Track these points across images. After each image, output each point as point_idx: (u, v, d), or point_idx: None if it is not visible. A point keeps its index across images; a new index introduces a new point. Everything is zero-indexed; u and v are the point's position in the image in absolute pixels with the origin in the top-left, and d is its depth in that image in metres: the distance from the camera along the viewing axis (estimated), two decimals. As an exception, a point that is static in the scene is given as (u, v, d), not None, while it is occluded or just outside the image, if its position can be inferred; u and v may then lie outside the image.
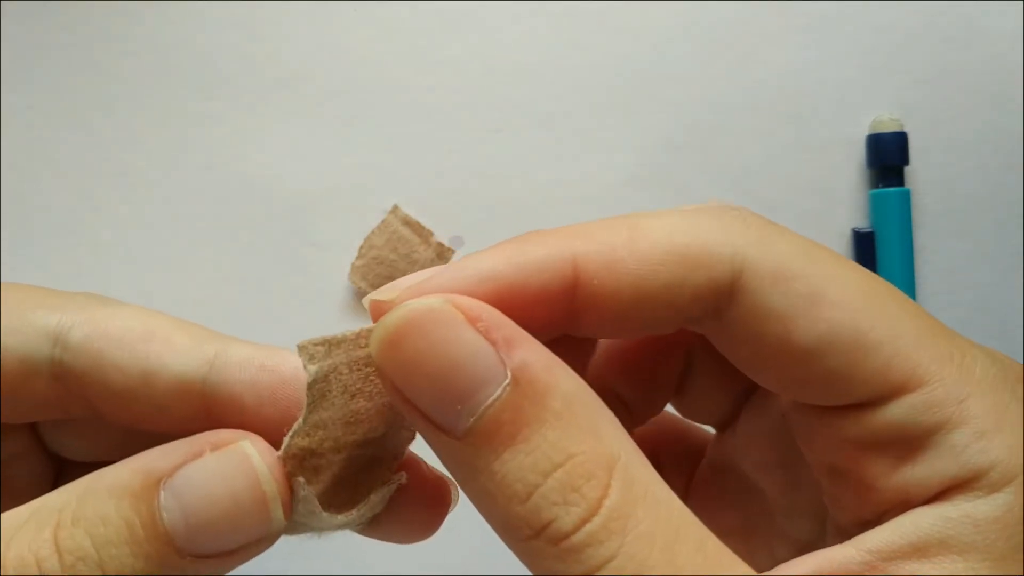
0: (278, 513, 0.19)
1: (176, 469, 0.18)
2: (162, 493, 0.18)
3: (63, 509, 0.19)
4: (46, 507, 0.19)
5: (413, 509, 0.21)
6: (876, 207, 0.36)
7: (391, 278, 0.37)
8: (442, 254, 0.36)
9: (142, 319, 0.21)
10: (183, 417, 0.20)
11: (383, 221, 0.36)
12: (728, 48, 0.37)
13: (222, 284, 0.37)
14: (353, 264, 0.36)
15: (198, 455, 0.19)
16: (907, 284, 0.36)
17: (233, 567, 0.19)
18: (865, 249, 0.36)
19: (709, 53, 0.37)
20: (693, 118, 0.37)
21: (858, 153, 0.37)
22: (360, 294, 0.37)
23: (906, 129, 0.36)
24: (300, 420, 0.18)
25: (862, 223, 0.37)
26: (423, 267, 0.36)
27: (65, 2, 0.37)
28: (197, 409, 0.20)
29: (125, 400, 0.20)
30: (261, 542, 0.19)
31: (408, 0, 0.37)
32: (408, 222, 0.36)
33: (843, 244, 0.37)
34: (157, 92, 0.37)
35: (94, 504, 0.19)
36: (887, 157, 0.36)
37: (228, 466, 0.19)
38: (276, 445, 0.19)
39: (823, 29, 0.37)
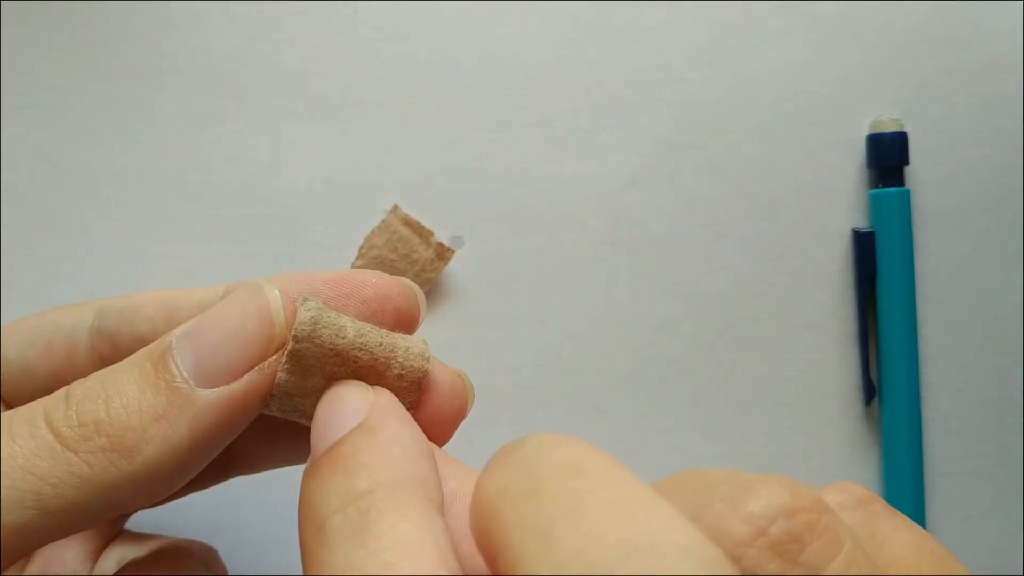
0: (282, 326, 0.20)
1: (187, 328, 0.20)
2: (173, 340, 0.20)
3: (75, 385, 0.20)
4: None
5: (430, 409, 0.22)
6: (876, 207, 0.36)
7: (391, 278, 0.37)
8: (442, 254, 0.36)
9: (172, 292, 0.23)
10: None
11: (383, 221, 0.36)
12: (728, 48, 0.37)
13: (222, 283, 0.37)
14: (353, 264, 0.36)
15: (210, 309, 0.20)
16: (907, 284, 0.36)
17: (238, 410, 0.20)
18: (865, 249, 0.36)
19: (709, 53, 0.37)
20: (693, 118, 0.37)
21: (858, 153, 0.37)
22: (360, 294, 0.37)
23: (906, 129, 0.36)
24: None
25: (862, 223, 0.37)
26: (423, 267, 0.36)
27: (65, 2, 0.37)
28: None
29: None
30: (263, 367, 0.20)
31: (408, 0, 0.37)
32: (408, 222, 0.36)
33: (843, 244, 0.37)
34: (157, 92, 0.37)
35: (109, 371, 0.20)
36: (887, 157, 0.36)
37: (238, 298, 0.20)
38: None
39: (823, 29, 0.37)
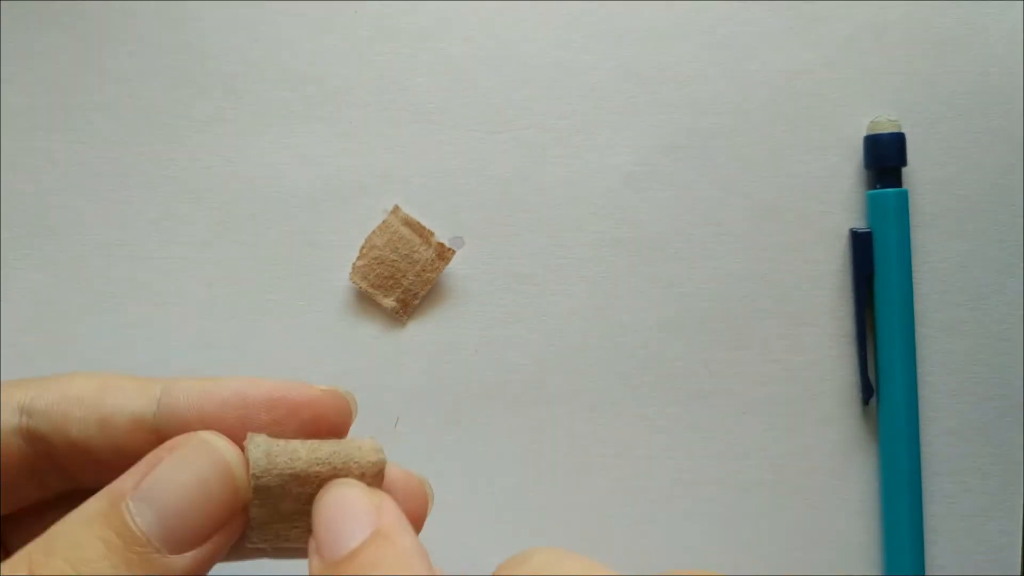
0: (243, 478, 0.20)
1: (139, 483, 0.20)
2: (130, 503, 0.19)
3: (33, 552, 0.19)
4: (14, 558, 0.19)
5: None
6: (874, 208, 0.36)
7: (392, 278, 0.37)
8: (442, 254, 0.36)
9: (97, 379, 0.22)
10: (140, 454, 0.21)
11: (384, 221, 0.36)
12: (727, 48, 0.37)
13: (223, 284, 0.37)
14: (354, 264, 0.36)
15: (158, 462, 0.20)
16: (904, 284, 0.36)
17: (212, 561, 0.20)
18: (863, 249, 0.36)
19: (708, 54, 0.37)
20: (692, 118, 0.37)
21: (856, 154, 0.37)
22: (361, 294, 0.37)
23: (904, 130, 0.36)
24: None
25: (860, 224, 0.37)
26: (424, 267, 0.36)
27: (65, 2, 0.37)
28: (151, 443, 0.21)
29: (86, 449, 0.22)
30: (232, 521, 0.20)
31: (408, 1, 0.37)
32: (409, 222, 0.36)
33: (841, 244, 0.37)
34: (157, 92, 0.37)
35: (65, 535, 0.19)
36: (885, 158, 0.36)
37: (189, 455, 0.20)
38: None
39: (821, 30, 0.37)
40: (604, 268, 0.37)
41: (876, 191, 0.36)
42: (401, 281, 0.36)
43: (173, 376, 0.23)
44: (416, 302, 0.36)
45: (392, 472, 0.22)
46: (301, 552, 0.21)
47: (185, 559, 0.19)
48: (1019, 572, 0.36)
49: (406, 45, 0.37)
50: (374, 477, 0.21)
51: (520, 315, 0.37)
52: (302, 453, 0.21)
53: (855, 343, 0.37)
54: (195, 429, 0.21)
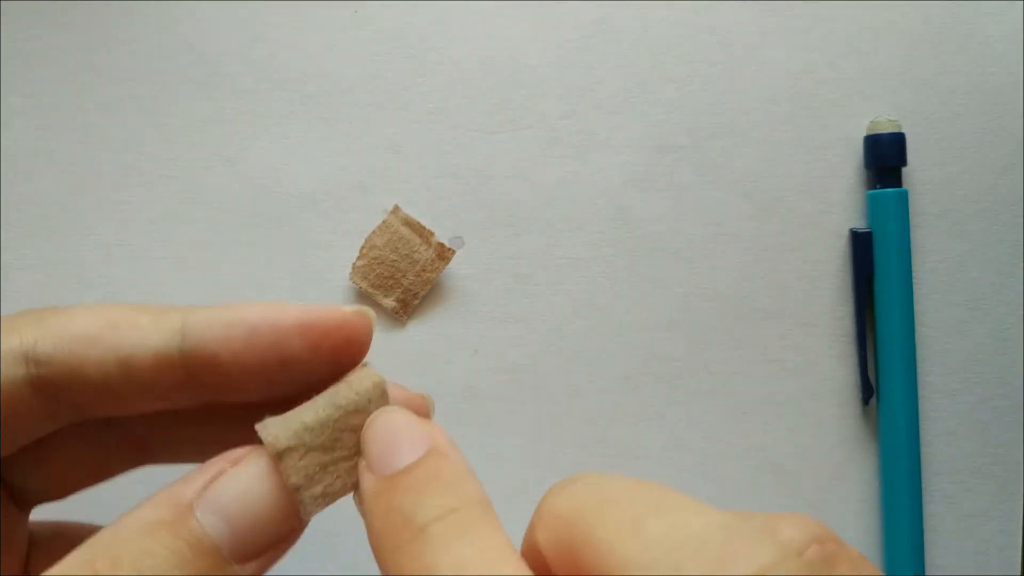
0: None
1: (202, 491, 0.20)
2: (198, 513, 0.19)
3: (95, 559, 0.19)
4: (71, 563, 0.19)
5: None
6: (874, 208, 0.36)
7: (392, 278, 0.37)
8: (443, 254, 0.36)
9: (97, 313, 0.21)
10: (168, 388, 0.21)
11: (384, 221, 0.36)
12: (726, 49, 0.37)
13: (223, 284, 0.37)
14: (354, 264, 0.36)
15: (221, 473, 0.20)
16: (904, 284, 0.36)
17: (270, 566, 0.21)
18: (863, 249, 0.36)
19: (708, 54, 0.37)
20: (692, 119, 0.37)
21: (856, 154, 0.37)
22: (361, 294, 0.37)
23: (904, 130, 0.36)
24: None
25: (860, 223, 0.37)
26: (424, 267, 0.36)
27: (65, 2, 0.37)
28: (178, 378, 0.21)
29: (110, 391, 0.21)
30: (295, 532, 0.21)
31: (408, 1, 0.37)
32: (409, 222, 0.36)
33: (840, 244, 0.37)
34: (158, 93, 0.37)
35: (129, 545, 0.19)
36: (885, 158, 0.36)
37: (257, 471, 0.20)
38: (259, 392, 0.21)
39: (821, 30, 0.37)
40: (604, 268, 0.37)
41: (876, 191, 0.36)
42: (401, 281, 0.36)
43: (187, 305, 0.22)
44: (416, 302, 0.36)
45: (394, 391, 0.22)
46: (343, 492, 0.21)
47: (249, 567, 0.20)
48: (1019, 572, 0.36)
49: (406, 45, 0.37)
50: (380, 399, 0.21)
51: (520, 315, 0.37)
52: (307, 411, 0.21)
53: (855, 343, 0.37)
54: (226, 363, 0.21)
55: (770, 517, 0.18)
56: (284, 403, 0.21)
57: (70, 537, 0.25)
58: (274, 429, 0.20)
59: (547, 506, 0.19)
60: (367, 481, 0.20)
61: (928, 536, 0.36)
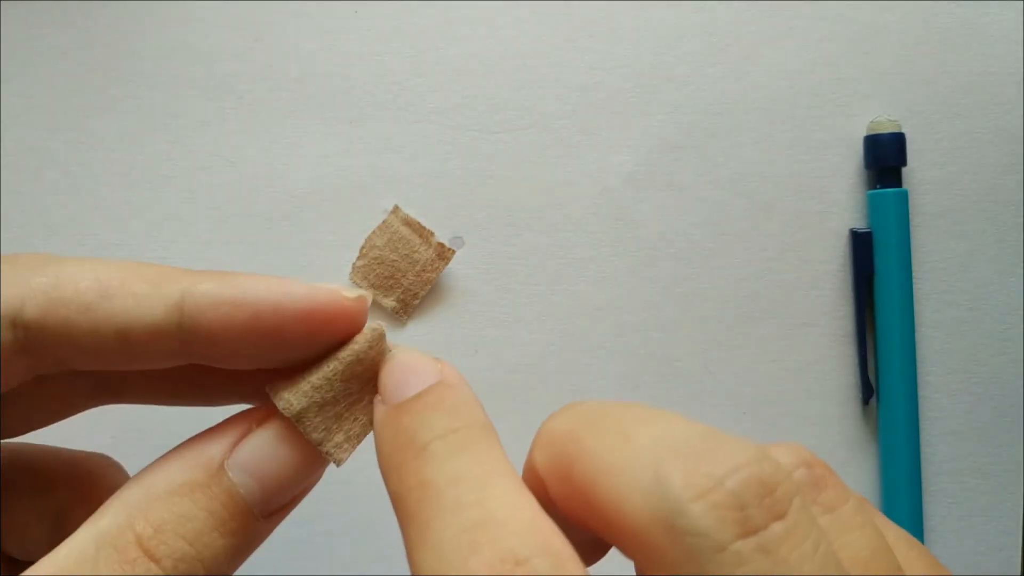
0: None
1: (230, 452, 0.21)
2: (231, 472, 0.20)
3: (126, 528, 0.20)
4: (106, 526, 0.20)
5: None
6: (874, 208, 0.36)
7: (392, 278, 0.37)
8: (443, 254, 0.36)
9: (92, 274, 0.21)
10: (162, 356, 0.21)
11: (384, 221, 0.36)
12: (726, 49, 0.37)
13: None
14: (354, 264, 0.36)
15: (248, 432, 0.21)
16: (904, 284, 0.36)
17: (288, 513, 0.22)
18: (863, 249, 0.36)
19: (708, 54, 0.37)
20: (692, 119, 0.37)
21: (856, 154, 0.37)
22: (361, 294, 0.37)
23: (904, 130, 0.36)
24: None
25: (860, 224, 0.37)
26: (424, 267, 0.36)
27: (65, 2, 0.37)
28: (174, 349, 0.21)
29: (100, 356, 0.21)
30: (313, 485, 0.22)
31: (409, 1, 0.37)
32: (409, 222, 0.36)
33: (840, 244, 0.37)
34: (158, 92, 0.37)
35: (167, 508, 0.20)
36: (885, 158, 0.36)
37: (283, 430, 0.21)
38: (251, 363, 0.21)
39: (821, 30, 0.37)
40: (604, 268, 0.37)
41: (876, 191, 0.36)
42: (401, 281, 0.36)
43: (187, 271, 0.22)
44: (416, 302, 0.36)
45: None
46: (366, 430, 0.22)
47: (273, 521, 0.21)
48: (1019, 572, 0.36)
49: (406, 45, 0.37)
50: (378, 342, 0.22)
51: (520, 315, 0.37)
52: (312, 371, 0.22)
53: (855, 343, 0.37)
54: (225, 341, 0.21)
55: (763, 444, 0.19)
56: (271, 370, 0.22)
57: (28, 460, 0.25)
58: (285, 395, 0.21)
59: (544, 429, 0.20)
60: (379, 412, 0.21)
61: (928, 536, 0.36)
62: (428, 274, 0.36)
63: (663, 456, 0.16)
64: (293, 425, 0.21)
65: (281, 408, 0.21)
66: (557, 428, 0.19)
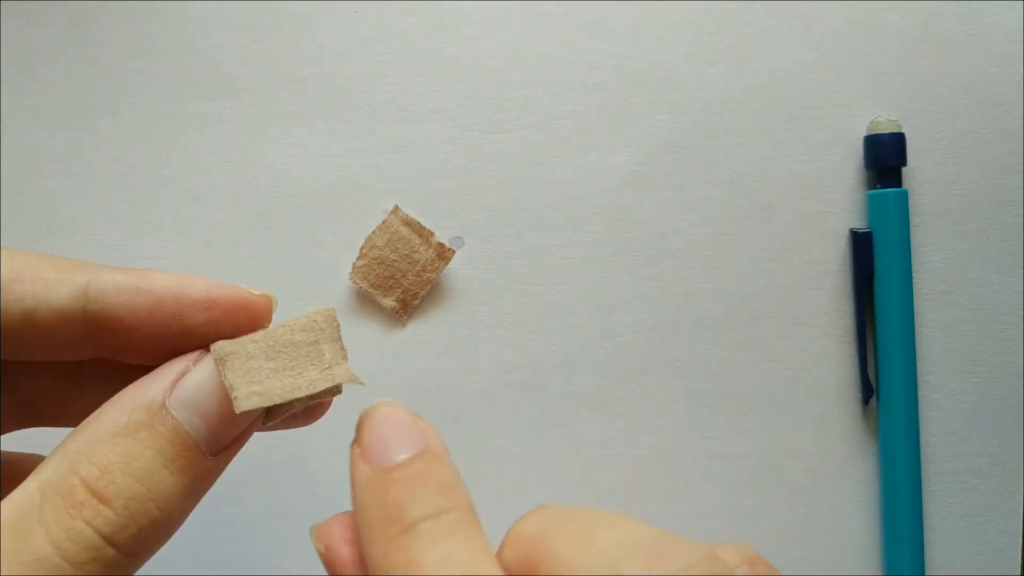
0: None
1: (170, 391, 0.21)
2: (173, 411, 0.20)
3: (70, 473, 0.20)
4: (45, 484, 0.19)
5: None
6: (874, 208, 0.36)
7: (392, 278, 0.37)
8: (442, 254, 0.36)
9: (5, 259, 0.21)
10: (67, 343, 0.22)
11: (384, 221, 0.36)
12: (726, 49, 0.37)
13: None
14: (354, 264, 0.36)
15: (186, 371, 0.21)
16: (904, 284, 0.36)
17: (233, 456, 0.22)
18: (863, 249, 0.36)
19: (708, 54, 0.37)
20: (692, 119, 0.37)
21: (856, 154, 0.37)
22: (361, 294, 0.37)
23: (904, 130, 0.36)
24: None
25: (860, 224, 0.37)
26: (424, 267, 0.36)
27: (65, 2, 0.37)
28: (79, 335, 0.22)
29: (9, 338, 0.21)
30: (255, 421, 0.22)
31: (408, 1, 0.37)
32: (409, 222, 0.36)
33: (840, 244, 0.37)
34: (158, 93, 0.37)
35: (110, 449, 0.20)
36: (885, 158, 0.36)
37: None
38: (157, 356, 0.22)
39: (821, 30, 0.37)
40: (604, 268, 0.37)
41: (876, 191, 0.36)
42: (401, 281, 0.36)
43: (94, 263, 0.22)
44: (416, 302, 0.36)
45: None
46: (296, 419, 0.23)
47: (220, 458, 0.21)
48: (1019, 572, 0.36)
49: (406, 45, 0.37)
50: (328, 325, 0.23)
51: (520, 315, 0.37)
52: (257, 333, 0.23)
53: (855, 343, 0.37)
54: (128, 328, 0.22)
55: (711, 544, 0.20)
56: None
57: None
58: (221, 341, 0.22)
59: (514, 529, 0.20)
60: (362, 472, 0.20)
61: (928, 536, 0.36)
62: (428, 274, 0.36)
63: (623, 557, 0.18)
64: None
65: (213, 350, 0.22)
66: (526, 529, 0.20)
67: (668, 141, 0.37)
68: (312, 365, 0.22)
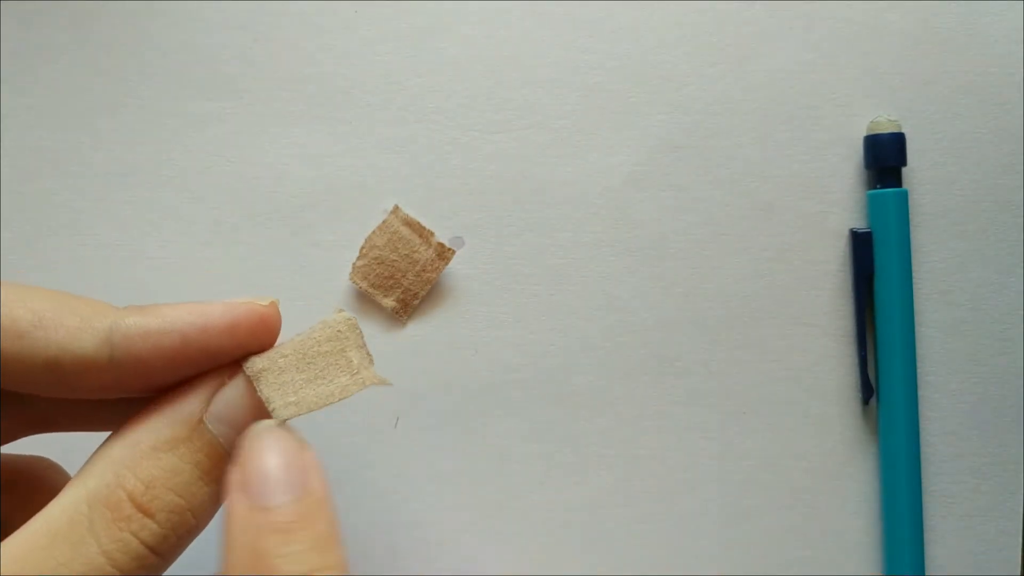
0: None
1: (207, 406, 0.22)
2: (210, 424, 0.21)
3: (116, 486, 0.20)
4: (92, 496, 0.20)
5: None
6: (874, 208, 0.36)
7: (392, 278, 0.37)
8: (442, 254, 0.36)
9: (22, 303, 0.21)
10: (93, 388, 0.22)
11: (384, 221, 0.36)
12: (727, 49, 0.37)
13: (223, 284, 0.37)
14: (354, 264, 0.36)
15: (222, 385, 0.22)
16: (904, 284, 0.36)
17: None
18: (863, 249, 0.36)
19: (708, 54, 0.37)
20: (692, 119, 0.37)
21: (856, 154, 0.37)
22: (361, 294, 0.37)
23: (904, 130, 0.36)
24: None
25: (860, 223, 0.37)
26: (424, 267, 0.36)
27: (65, 2, 0.37)
28: (106, 380, 0.22)
29: (31, 384, 0.22)
30: None
31: (408, 1, 0.37)
32: (409, 222, 0.36)
33: (841, 244, 0.37)
34: (158, 92, 0.37)
35: (153, 464, 0.21)
36: (885, 158, 0.36)
37: (251, 383, 0.22)
38: (179, 378, 0.23)
39: (821, 30, 0.37)
40: (604, 268, 0.37)
41: (876, 191, 0.36)
42: (401, 281, 0.36)
43: (110, 305, 0.22)
44: (416, 302, 0.36)
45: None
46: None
47: None
48: (1019, 572, 0.36)
49: (406, 45, 0.37)
50: (350, 331, 0.24)
51: (520, 315, 0.37)
52: (280, 345, 0.24)
53: (855, 343, 0.37)
54: (156, 370, 0.22)
55: None
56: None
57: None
58: (253, 358, 0.23)
59: None
60: (238, 502, 0.20)
61: (928, 536, 0.36)
62: (428, 274, 0.36)
63: None
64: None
65: (245, 367, 0.23)
66: None
67: (668, 141, 0.37)
68: (342, 372, 0.24)
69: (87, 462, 0.21)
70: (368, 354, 0.25)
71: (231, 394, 0.22)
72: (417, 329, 0.37)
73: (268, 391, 0.23)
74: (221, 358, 0.23)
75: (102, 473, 0.21)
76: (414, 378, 0.37)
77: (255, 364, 0.23)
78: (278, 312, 0.24)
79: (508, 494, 0.37)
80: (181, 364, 0.22)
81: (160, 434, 0.21)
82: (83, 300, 0.22)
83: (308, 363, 0.23)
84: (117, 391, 0.22)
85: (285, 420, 0.22)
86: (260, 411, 0.22)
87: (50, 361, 0.21)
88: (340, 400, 0.23)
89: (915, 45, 0.37)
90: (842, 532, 0.37)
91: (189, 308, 0.22)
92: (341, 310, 0.25)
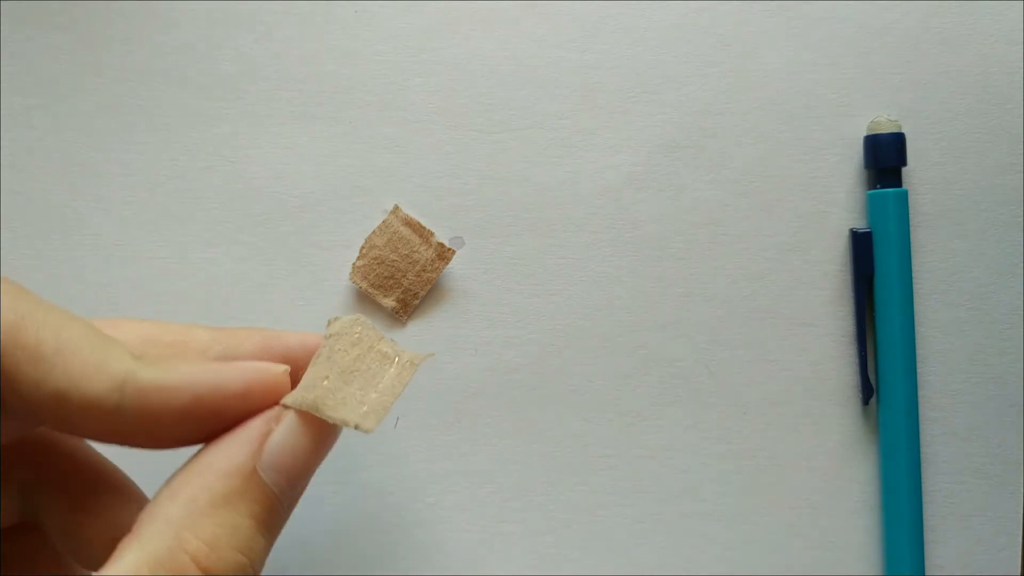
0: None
1: (257, 455, 0.22)
2: (262, 473, 0.21)
3: (178, 550, 0.20)
4: (154, 562, 0.20)
5: None
6: (874, 208, 0.36)
7: (392, 278, 0.37)
8: (442, 254, 0.36)
9: (54, 329, 0.21)
10: (89, 431, 0.21)
11: (384, 221, 0.36)
12: (726, 49, 0.37)
13: (223, 284, 0.37)
14: (354, 264, 0.36)
15: (269, 432, 0.22)
16: (904, 284, 0.36)
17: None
18: (863, 249, 0.36)
19: (708, 54, 0.37)
20: (692, 119, 0.37)
21: (856, 154, 0.37)
22: (361, 294, 0.37)
23: (904, 130, 0.36)
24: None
25: (860, 223, 0.37)
26: (424, 267, 0.36)
27: (65, 2, 0.37)
28: (105, 426, 0.21)
29: (36, 410, 0.21)
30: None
31: (408, 1, 0.37)
32: (409, 222, 0.36)
33: (840, 244, 0.37)
34: (158, 93, 0.37)
35: (213, 522, 0.21)
36: (885, 158, 0.36)
37: (298, 421, 0.23)
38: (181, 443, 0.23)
39: (821, 30, 0.37)
40: (604, 268, 0.37)
41: (876, 191, 0.36)
42: (401, 281, 0.36)
43: (131, 353, 0.22)
44: (416, 302, 0.36)
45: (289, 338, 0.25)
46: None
47: (295, 504, 0.23)
48: (1019, 572, 0.36)
49: (406, 45, 0.37)
50: (364, 328, 0.25)
51: (520, 315, 0.37)
52: (316, 369, 0.24)
53: (855, 343, 0.37)
54: (163, 425, 0.21)
55: None
56: None
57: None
58: (297, 394, 0.23)
59: None
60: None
61: (928, 536, 0.36)
62: (428, 274, 0.36)
63: None
64: (305, 414, 0.23)
65: (296, 405, 0.23)
66: None
67: (668, 141, 0.37)
68: (386, 364, 0.24)
69: (141, 521, 0.21)
70: (392, 340, 0.25)
71: (279, 439, 0.22)
72: (417, 329, 0.37)
73: (338, 414, 0.23)
74: (226, 420, 0.22)
75: (160, 535, 0.20)
76: (414, 378, 0.37)
77: (304, 399, 0.23)
78: (288, 380, 0.23)
79: (508, 494, 0.37)
80: (186, 423, 0.22)
81: (216, 488, 0.21)
82: (104, 340, 0.22)
83: (352, 374, 0.24)
84: (113, 439, 0.21)
85: (371, 429, 0.22)
86: (307, 450, 0.22)
87: (58, 393, 0.20)
88: (405, 387, 0.24)
89: (915, 45, 0.37)
90: (842, 532, 0.37)
91: (205, 369, 0.22)
92: (337, 318, 0.25)
